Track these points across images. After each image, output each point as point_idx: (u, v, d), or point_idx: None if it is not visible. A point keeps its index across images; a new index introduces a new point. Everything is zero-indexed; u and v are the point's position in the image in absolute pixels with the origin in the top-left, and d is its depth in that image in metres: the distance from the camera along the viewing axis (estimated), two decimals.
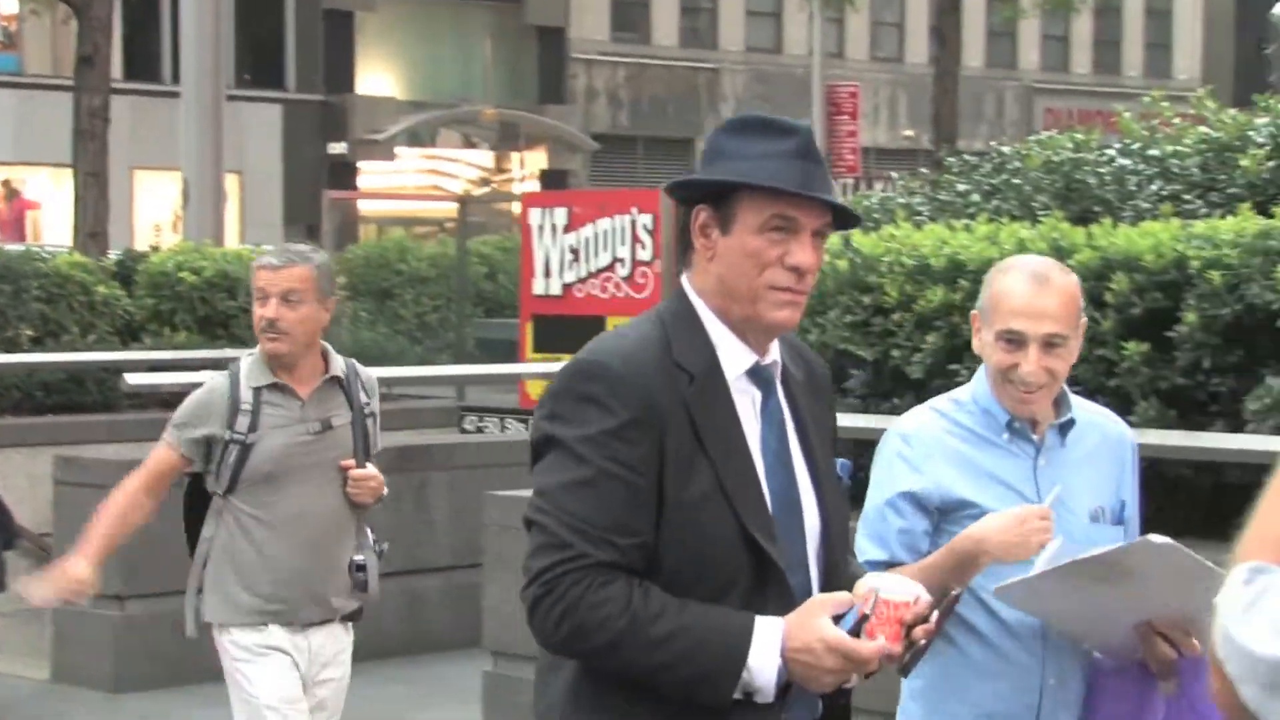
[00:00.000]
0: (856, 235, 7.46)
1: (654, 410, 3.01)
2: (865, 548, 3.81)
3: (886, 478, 3.84)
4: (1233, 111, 7.63)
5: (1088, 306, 6.55)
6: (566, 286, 13.11)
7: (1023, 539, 3.61)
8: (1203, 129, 7.25)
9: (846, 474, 3.37)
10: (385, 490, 5.54)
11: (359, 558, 5.48)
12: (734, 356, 3.12)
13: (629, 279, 12.80)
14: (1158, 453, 6.37)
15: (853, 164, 29.10)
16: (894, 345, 7.02)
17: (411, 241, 21.06)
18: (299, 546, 5.39)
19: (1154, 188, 7.07)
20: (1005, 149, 8.04)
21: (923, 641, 3.04)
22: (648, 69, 41.26)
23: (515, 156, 38.43)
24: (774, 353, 3.20)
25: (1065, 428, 3.84)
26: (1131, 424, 6.38)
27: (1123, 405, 6.41)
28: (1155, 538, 3.46)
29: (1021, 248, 6.70)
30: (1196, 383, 6.29)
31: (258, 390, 5.37)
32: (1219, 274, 6.12)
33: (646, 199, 13.15)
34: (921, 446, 3.83)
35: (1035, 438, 3.81)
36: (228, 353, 10.14)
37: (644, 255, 12.73)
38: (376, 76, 37.53)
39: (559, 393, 3.09)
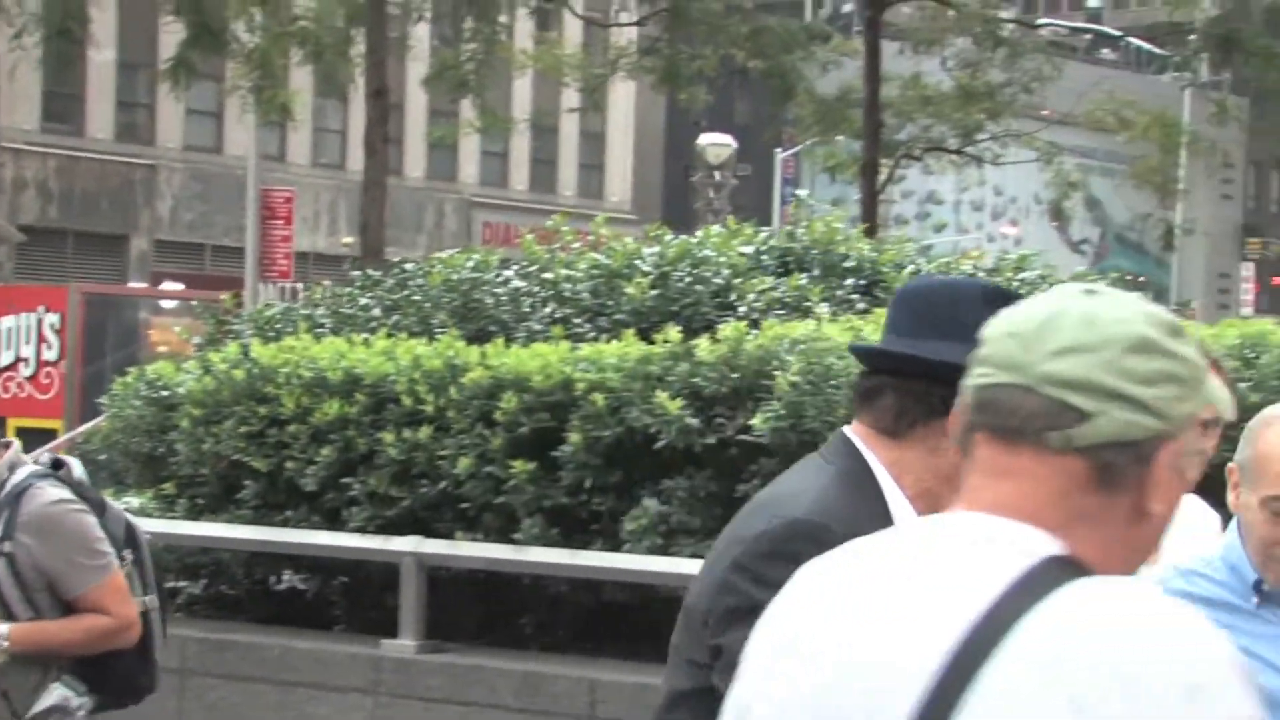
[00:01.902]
0: (255, 345, 7.40)
1: None
2: None
3: None
4: (629, 239, 7.91)
5: (477, 423, 6.70)
6: None
7: None
8: (595, 255, 7.49)
9: None
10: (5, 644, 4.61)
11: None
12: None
13: (33, 379, 12.40)
14: (539, 570, 6.51)
15: (285, 269, 28.88)
16: (289, 457, 6.97)
17: None
18: None
19: (547, 310, 7.24)
20: (409, 265, 8.12)
21: None
22: (80, 162, 40.13)
23: None
24: None
25: None
26: (517, 541, 6.53)
27: (509, 523, 6.53)
28: None
29: (417, 364, 6.77)
30: (579, 502, 6.45)
31: None
32: (602, 396, 6.31)
33: (55, 297, 12.77)
34: None
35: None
36: None
37: (50, 355, 12.35)
38: None
39: (769, 554, 2.80)
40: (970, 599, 1.82)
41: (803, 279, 7.02)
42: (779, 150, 40.88)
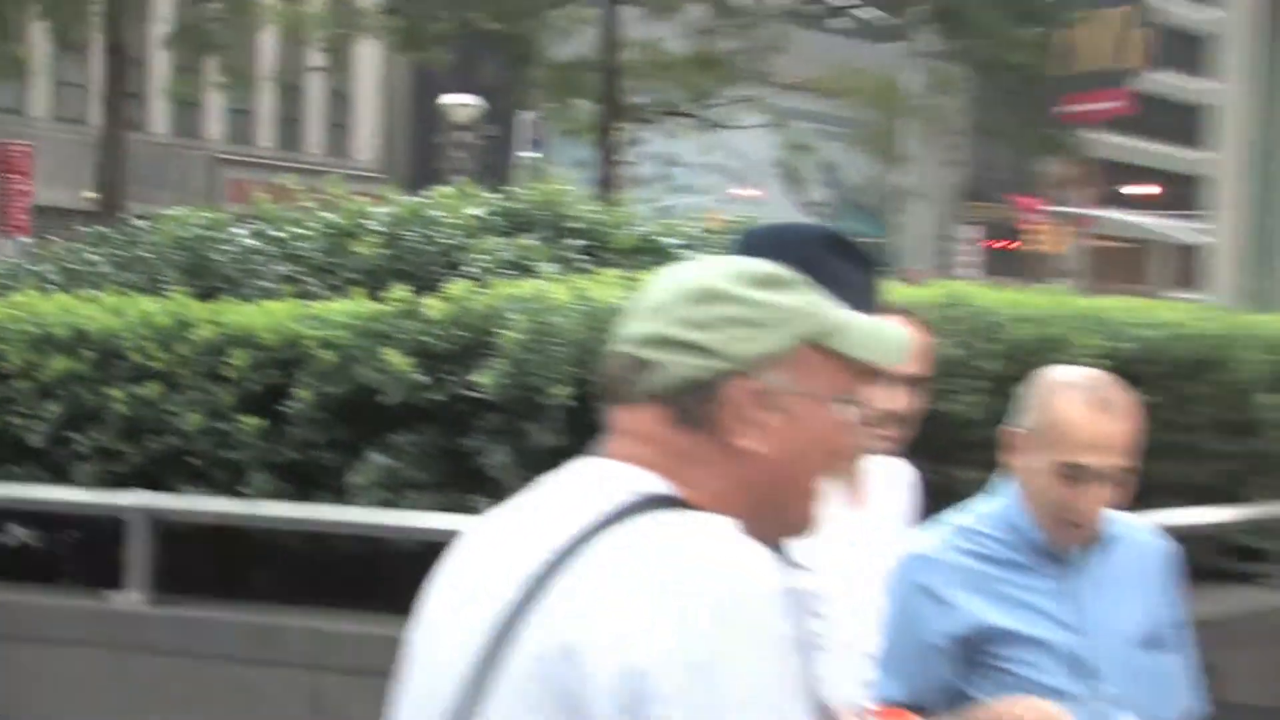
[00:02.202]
0: None
1: None
2: (887, 684, 3.44)
3: (912, 612, 3.46)
4: (363, 198, 7.84)
5: (205, 380, 6.60)
6: None
7: None
8: (326, 214, 7.42)
9: None
10: None
11: None
12: None
13: None
14: (269, 523, 6.46)
15: (23, 224, 28.12)
16: (14, 413, 6.81)
17: None
18: None
19: (278, 268, 7.16)
20: (139, 222, 7.97)
21: None
22: None
23: None
24: None
25: (1099, 543, 3.50)
26: (245, 495, 6.46)
27: (237, 477, 6.47)
28: None
29: (146, 321, 6.66)
30: (308, 457, 6.41)
31: None
32: (331, 353, 6.27)
33: None
34: (944, 573, 3.46)
35: (1062, 560, 3.48)
36: None
37: None
38: None
39: None
40: (568, 530, 1.96)
41: (529, 240, 7.04)
42: (523, 113, 40.80)
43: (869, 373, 2.12)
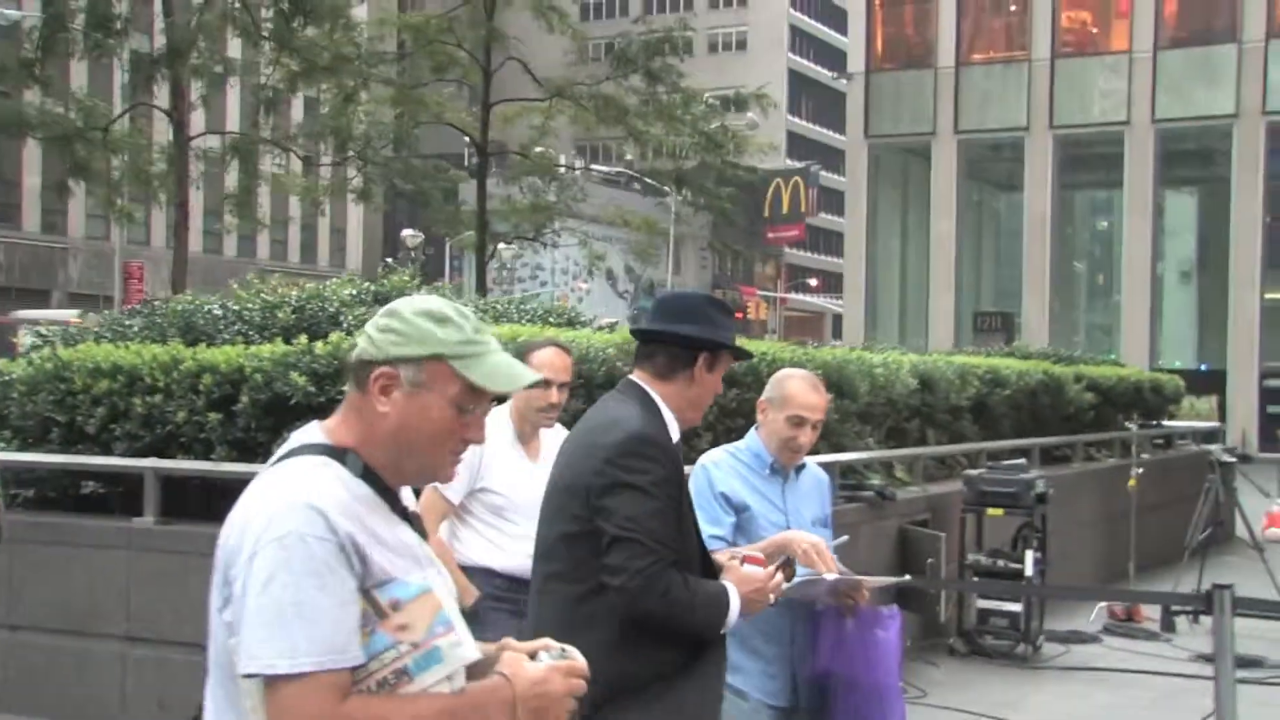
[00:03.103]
0: None
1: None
2: (706, 528, 3.58)
3: (707, 488, 3.66)
4: (292, 287, 7.78)
5: (189, 392, 6.55)
6: None
7: (816, 560, 3.50)
8: (265, 295, 7.39)
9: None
10: None
11: None
12: (675, 431, 2.92)
13: None
14: (229, 475, 6.42)
15: None
16: (78, 413, 6.72)
17: None
18: None
19: (234, 327, 7.10)
20: (158, 303, 7.84)
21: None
22: None
23: None
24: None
25: (799, 469, 3.77)
26: (214, 459, 6.43)
27: (208, 449, 6.43)
28: (829, 575, 3.52)
29: (155, 358, 6.60)
30: (249, 436, 6.39)
31: None
32: (260, 376, 6.27)
33: None
34: (722, 471, 3.69)
35: (781, 474, 3.73)
36: None
37: None
38: None
39: (629, 453, 2.77)
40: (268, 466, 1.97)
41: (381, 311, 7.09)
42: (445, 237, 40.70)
43: (482, 393, 1.90)
